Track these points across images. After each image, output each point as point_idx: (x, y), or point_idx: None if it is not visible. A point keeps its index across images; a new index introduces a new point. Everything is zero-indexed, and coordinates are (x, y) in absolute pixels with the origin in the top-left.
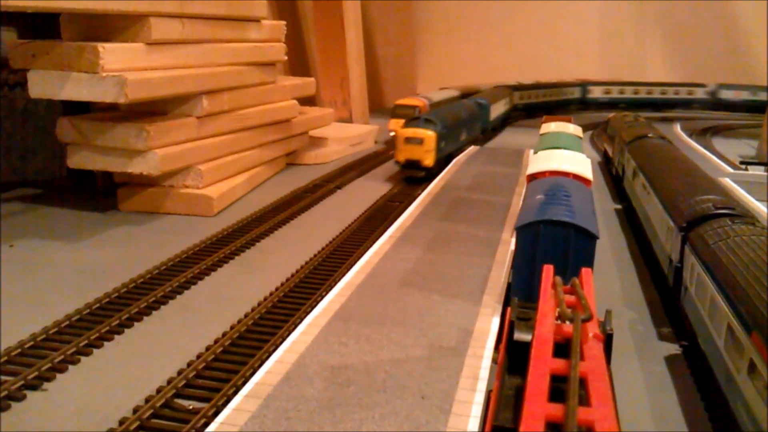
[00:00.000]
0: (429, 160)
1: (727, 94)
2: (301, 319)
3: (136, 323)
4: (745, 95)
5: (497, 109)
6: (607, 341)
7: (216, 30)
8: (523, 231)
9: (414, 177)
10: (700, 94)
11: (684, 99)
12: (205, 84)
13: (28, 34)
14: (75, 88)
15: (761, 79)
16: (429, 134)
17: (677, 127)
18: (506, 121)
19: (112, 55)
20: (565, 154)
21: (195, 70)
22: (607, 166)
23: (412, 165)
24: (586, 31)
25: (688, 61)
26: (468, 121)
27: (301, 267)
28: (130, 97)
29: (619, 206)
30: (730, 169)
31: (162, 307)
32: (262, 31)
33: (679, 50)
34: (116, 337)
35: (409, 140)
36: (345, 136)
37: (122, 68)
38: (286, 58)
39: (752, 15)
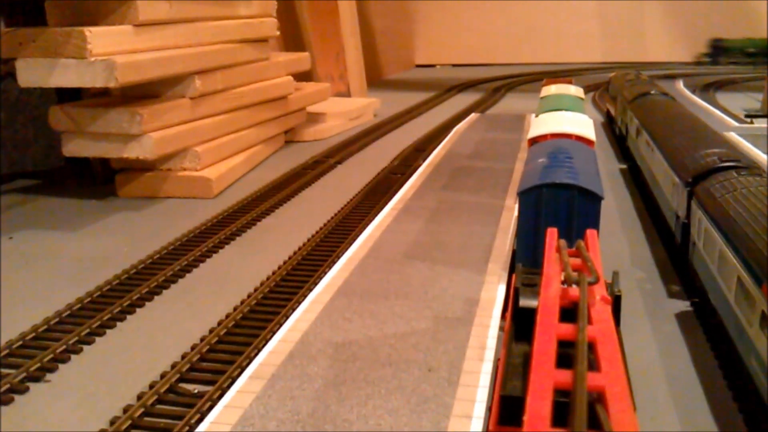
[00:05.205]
0: None
1: None
2: (305, 297)
3: (138, 309)
4: None
5: None
6: (616, 303)
7: (204, 8)
8: (526, 196)
9: None
10: None
11: None
12: (197, 64)
13: (16, 22)
14: (64, 74)
15: (761, 31)
16: None
17: (680, 84)
18: None
19: (100, 38)
20: (566, 116)
21: (185, 50)
22: (610, 126)
23: None
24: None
25: (688, 17)
26: None
27: (304, 244)
28: (120, 81)
29: (623, 166)
30: (735, 123)
31: (164, 291)
32: (252, 7)
33: (679, 7)
34: (118, 324)
35: None
36: (343, 111)
37: (111, 52)
38: (278, 33)
39: None
